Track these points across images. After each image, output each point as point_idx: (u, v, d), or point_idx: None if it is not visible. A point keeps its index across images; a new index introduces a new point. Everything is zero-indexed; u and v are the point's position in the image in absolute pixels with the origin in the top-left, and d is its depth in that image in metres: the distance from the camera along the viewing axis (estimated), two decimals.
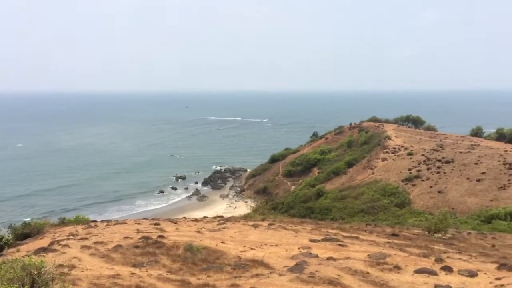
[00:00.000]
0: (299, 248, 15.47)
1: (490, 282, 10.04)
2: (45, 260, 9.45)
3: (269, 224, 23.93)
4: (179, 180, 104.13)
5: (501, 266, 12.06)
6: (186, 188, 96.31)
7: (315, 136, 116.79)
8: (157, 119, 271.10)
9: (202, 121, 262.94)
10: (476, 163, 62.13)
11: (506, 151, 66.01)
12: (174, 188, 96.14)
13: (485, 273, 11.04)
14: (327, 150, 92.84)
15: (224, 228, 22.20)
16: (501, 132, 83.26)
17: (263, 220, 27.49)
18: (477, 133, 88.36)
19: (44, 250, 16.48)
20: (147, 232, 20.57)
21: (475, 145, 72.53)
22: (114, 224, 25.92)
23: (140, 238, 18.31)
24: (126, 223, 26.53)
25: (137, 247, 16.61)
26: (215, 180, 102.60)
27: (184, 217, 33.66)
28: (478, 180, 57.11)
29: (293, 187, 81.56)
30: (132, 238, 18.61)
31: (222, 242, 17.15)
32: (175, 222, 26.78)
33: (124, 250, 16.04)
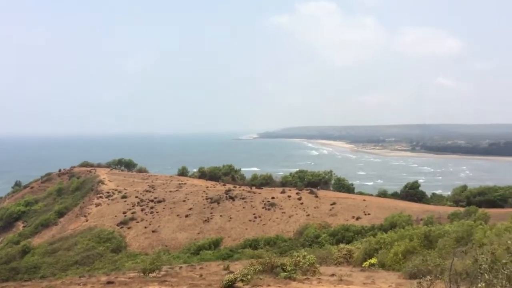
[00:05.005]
0: None
1: None
2: None
3: None
4: None
5: None
6: None
7: (18, 186, 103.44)
8: None
9: None
10: (184, 200, 67.98)
11: (207, 187, 74.90)
12: None
13: None
14: (34, 201, 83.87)
15: None
16: (203, 170, 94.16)
17: None
18: (183, 172, 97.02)
19: None
20: None
21: (182, 183, 79.44)
22: None
23: None
24: None
25: None
26: None
27: None
28: (187, 216, 62.46)
29: None
30: None
31: None
32: None
33: None
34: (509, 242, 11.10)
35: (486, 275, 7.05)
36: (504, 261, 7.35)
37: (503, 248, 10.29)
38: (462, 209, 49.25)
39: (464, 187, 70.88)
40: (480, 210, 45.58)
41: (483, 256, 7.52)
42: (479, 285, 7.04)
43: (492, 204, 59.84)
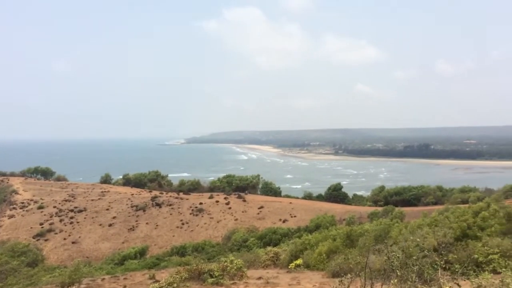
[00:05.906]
0: None
1: None
2: None
3: None
4: None
5: None
6: None
7: None
8: None
9: None
10: (108, 209, 65.23)
11: (132, 194, 72.50)
12: None
13: None
14: None
15: None
16: (127, 177, 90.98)
17: None
18: (106, 180, 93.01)
19: None
20: None
21: (105, 191, 76.20)
22: None
23: None
24: None
25: None
26: None
27: None
28: (110, 225, 59.96)
29: None
30: None
31: None
32: None
33: None
34: (418, 239, 11.91)
35: (398, 271, 7.48)
36: (414, 257, 7.86)
37: (414, 244, 11.02)
38: (380, 209, 52.22)
39: (382, 188, 75.20)
40: (397, 209, 48.65)
41: (394, 253, 7.98)
42: (392, 281, 7.45)
43: (407, 203, 64.17)
